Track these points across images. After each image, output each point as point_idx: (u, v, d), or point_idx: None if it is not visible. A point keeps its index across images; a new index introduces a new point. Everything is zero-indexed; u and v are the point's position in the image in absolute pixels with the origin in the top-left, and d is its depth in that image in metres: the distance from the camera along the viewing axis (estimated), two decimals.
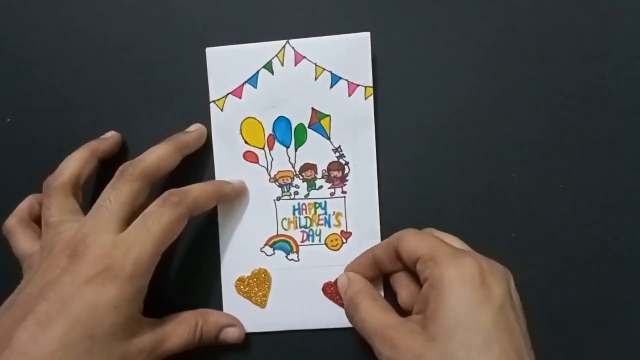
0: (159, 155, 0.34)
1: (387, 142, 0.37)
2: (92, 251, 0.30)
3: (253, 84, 0.37)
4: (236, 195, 0.37)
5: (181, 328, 0.34)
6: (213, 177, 0.38)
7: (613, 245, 0.37)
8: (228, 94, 0.37)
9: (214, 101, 0.37)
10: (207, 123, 0.38)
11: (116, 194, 0.32)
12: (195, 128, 0.37)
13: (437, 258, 0.29)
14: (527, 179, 0.38)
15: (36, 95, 0.39)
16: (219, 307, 0.38)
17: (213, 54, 0.37)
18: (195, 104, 0.38)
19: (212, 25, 0.38)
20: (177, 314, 0.35)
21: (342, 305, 0.36)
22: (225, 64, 0.37)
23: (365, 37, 0.36)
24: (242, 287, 0.38)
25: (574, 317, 0.37)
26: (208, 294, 0.38)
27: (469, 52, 0.38)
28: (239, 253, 0.38)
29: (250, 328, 0.38)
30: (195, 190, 0.34)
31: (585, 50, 0.38)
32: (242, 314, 0.37)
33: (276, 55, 0.37)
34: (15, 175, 0.39)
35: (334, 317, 0.37)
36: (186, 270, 0.39)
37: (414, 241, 0.31)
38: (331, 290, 0.37)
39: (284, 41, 0.37)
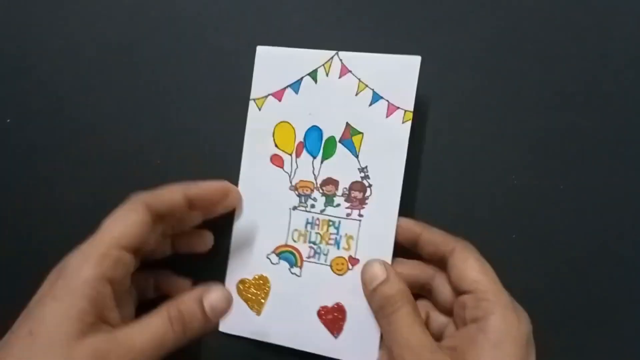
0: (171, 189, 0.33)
1: None
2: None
3: (295, 89, 0.37)
4: (219, 197, 0.35)
5: (150, 320, 0.29)
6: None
7: (613, 246, 0.37)
8: (269, 94, 0.37)
9: (254, 99, 0.37)
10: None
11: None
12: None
13: (495, 306, 0.29)
14: (527, 180, 0.37)
15: (36, 95, 0.39)
16: None
17: (263, 53, 0.37)
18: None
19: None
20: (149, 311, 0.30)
21: (334, 331, 0.34)
22: (273, 64, 0.37)
23: (415, 60, 0.34)
24: (242, 289, 0.37)
25: (574, 317, 0.37)
26: None
27: (469, 52, 0.37)
28: (247, 255, 0.37)
29: (245, 333, 0.36)
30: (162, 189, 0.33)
31: (585, 50, 0.37)
32: (239, 317, 0.37)
33: (323, 65, 0.36)
34: (15, 175, 0.38)
35: (323, 344, 0.35)
36: (193, 266, 0.38)
37: (474, 270, 0.31)
38: (325, 317, 0.35)
39: (333, 52, 0.36)
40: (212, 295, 0.31)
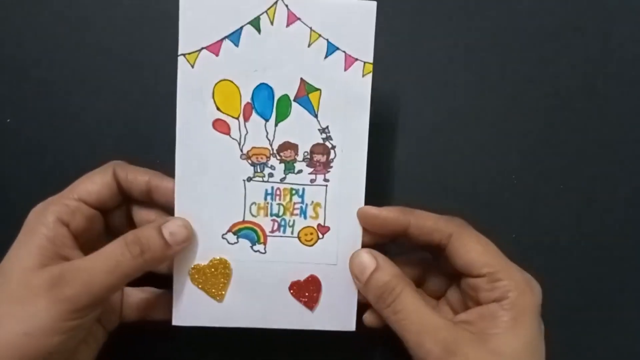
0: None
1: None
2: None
3: (234, 41, 0.31)
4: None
5: (105, 250, 0.29)
6: (173, 146, 0.32)
7: (613, 245, 0.37)
8: (202, 48, 0.31)
9: (183, 54, 0.31)
10: (173, 80, 0.32)
11: None
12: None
13: (510, 284, 0.29)
14: (527, 180, 0.38)
15: (36, 95, 0.38)
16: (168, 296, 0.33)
17: None
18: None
19: None
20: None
21: (310, 305, 0.32)
22: (203, 12, 0.31)
23: (371, 6, 0.31)
24: (197, 276, 0.32)
25: (574, 317, 0.37)
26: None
27: (469, 52, 0.37)
28: (197, 238, 0.32)
29: (204, 322, 0.33)
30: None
31: (585, 50, 0.38)
32: (195, 306, 0.32)
33: (266, 12, 0.31)
34: (15, 175, 0.38)
35: (298, 318, 0.33)
36: None
37: (479, 253, 0.30)
38: (299, 294, 0.33)
39: None
40: (171, 222, 0.31)
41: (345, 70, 0.32)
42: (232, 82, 0.32)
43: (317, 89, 0.32)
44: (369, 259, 0.31)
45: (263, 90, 0.32)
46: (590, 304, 0.38)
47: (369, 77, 0.32)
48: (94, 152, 0.38)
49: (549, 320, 0.36)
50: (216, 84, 0.31)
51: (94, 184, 0.32)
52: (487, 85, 0.38)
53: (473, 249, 0.30)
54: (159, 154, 0.37)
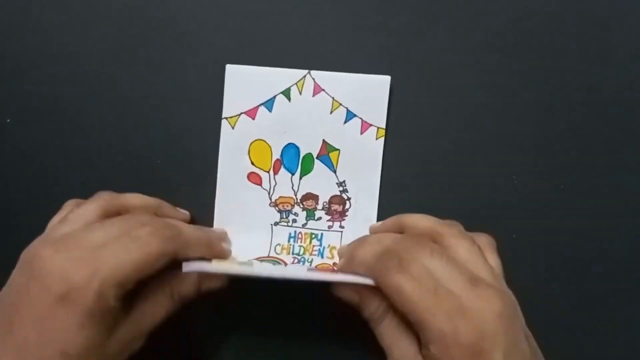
0: (199, 238, 0.33)
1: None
2: (58, 267, 0.28)
3: (268, 107, 0.37)
4: (220, 256, 0.35)
5: (157, 302, 0.31)
6: (214, 195, 0.38)
7: (613, 246, 0.37)
8: (242, 113, 0.37)
9: (226, 118, 0.37)
10: (216, 139, 0.38)
11: (145, 241, 0.30)
12: (227, 247, 0.35)
13: (430, 331, 0.27)
14: (527, 180, 0.37)
15: (36, 95, 0.38)
16: None
17: (233, 71, 0.37)
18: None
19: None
20: (149, 285, 0.31)
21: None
22: (244, 83, 0.37)
23: (385, 80, 0.37)
24: None
25: (574, 317, 0.37)
26: None
27: (469, 52, 0.38)
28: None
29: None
30: (190, 232, 0.32)
31: (585, 50, 0.38)
32: None
33: (295, 84, 0.37)
34: (15, 175, 0.38)
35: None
36: None
37: (400, 303, 0.28)
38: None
39: (305, 71, 0.37)
40: (211, 281, 0.33)
41: (361, 134, 0.37)
42: (265, 141, 0.37)
43: (336, 149, 0.37)
44: (352, 295, 0.32)
45: (291, 149, 0.38)
46: (590, 304, 0.37)
47: (382, 140, 0.37)
48: (94, 152, 0.38)
49: (549, 320, 0.37)
50: (252, 143, 0.37)
51: (154, 262, 0.30)
52: (487, 85, 0.38)
53: (393, 299, 0.28)
54: (159, 154, 0.38)
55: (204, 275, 0.33)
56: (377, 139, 0.37)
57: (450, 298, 0.27)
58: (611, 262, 0.38)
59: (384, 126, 0.37)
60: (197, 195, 0.38)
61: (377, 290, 0.30)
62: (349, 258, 0.32)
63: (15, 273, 0.30)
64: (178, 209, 0.37)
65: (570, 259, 0.37)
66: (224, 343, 0.38)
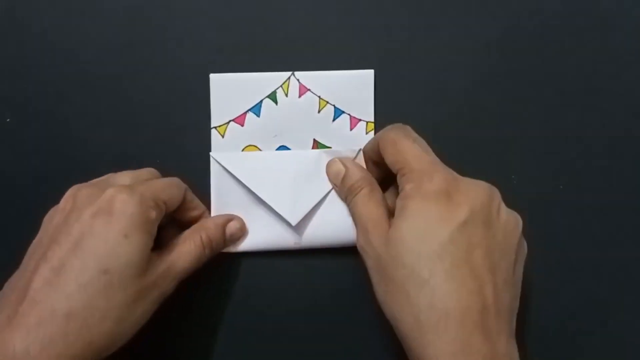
0: (169, 182, 0.34)
1: None
2: (91, 191, 0.30)
3: (256, 112, 0.37)
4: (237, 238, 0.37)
5: (187, 246, 0.33)
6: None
7: (613, 246, 0.38)
8: (230, 120, 0.37)
9: (215, 127, 0.37)
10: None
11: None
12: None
13: (411, 173, 0.31)
14: (527, 180, 0.38)
15: (36, 95, 0.38)
16: None
17: (217, 80, 0.37)
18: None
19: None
20: (179, 236, 0.34)
21: None
22: (229, 91, 0.37)
23: (369, 74, 0.37)
24: None
25: (574, 317, 0.37)
26: None
27: (469, 51, 0.38)
28: None
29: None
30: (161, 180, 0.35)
31: (585, 50, 0.38)
32: None
33: (281, 86, 0.37)
34: (15, 175, 0.38)
35: None
36: None
37: (393, 154, 0.32)
38: None
39: (289, 73, 0.37)
40: (232, 224, 0.36)
41: (351, 129, 0.38)
42: (256, 146, 0.37)
43: (328, 147, 0.38)
44: (338, 167, 0.36)
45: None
46: (590, 304, 0.37)
47: (372, 133, 0.37)
48: (94, 152, 0.38)
49: (548, 320, 0.37)
50: (243, 149, 0.37)
51: (176, 197, 0.34)
52: (486, 85, 0.38)
53: (390, 152, 0.32)
54: (159, 154, 0.38)
55: (225, 222, 0.36)
56: (367, 132, 0.38)
57: (436, 163, 0.31)
58: (611, 262, 0.38)
59: (372, 120, 0.37)
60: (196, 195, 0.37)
61: (360, 167, 0.35)
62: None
63: (45, 222, 0.31)
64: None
65: (570, 259, 0.38)
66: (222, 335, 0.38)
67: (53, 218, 0.31)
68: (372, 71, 0.37)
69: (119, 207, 0.29)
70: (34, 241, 0.31)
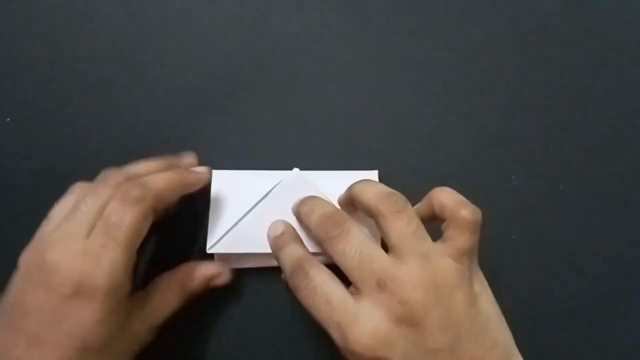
0: (169, 182, 0.31)
1: None
2: (62, 262, 0.28)
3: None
4: (202, 184, 0.34)
5: (168, 297, 0.32)
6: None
7: (613, 246, 0.37)
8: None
9: (211, 247, 0.35)
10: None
11: (120, 214, 0.29)
12: (202, 170, 0.35)
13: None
14: (527, 180, 0.37)
15: (36, 95, 0.39)
16: None
17: (219, 176, 0.36)
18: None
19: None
20: (159, 281, 0.33)
21: None
22: (231, 187, 0.36)
23: (373, 174, 0.37)
24: None
25: (574, 317, 0.36)
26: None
27: (469, 51, 0.38)
28: None
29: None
30: (158, 181, 0.31)
31: (586, 50, 0.39)
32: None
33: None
34: (15, 175, 0.38)
35: None
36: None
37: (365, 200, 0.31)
38: None
39: (292, 171, 0.36)
40: (218, 281, 0.35)
41: None
42: None
43: None
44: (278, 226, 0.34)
45: None
46: (590, 304, 0.37)
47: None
48: (94, 152, 0.38)
49: (549, 320, 0.35)
50: None
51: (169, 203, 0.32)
52: (486, 85, 0.38)
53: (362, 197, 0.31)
54: (159, 154, 0.37)
55: (211, 277, 0.34)
56: None
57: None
58: (611, 262, 0.37)
59: None
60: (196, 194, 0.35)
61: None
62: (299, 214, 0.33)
63: (17, 279, 0.29)
64: (182, 155, 0.36)
65: (570, 259, 0.37)
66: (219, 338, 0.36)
67: (22, 278, 0.29)
68: (376, 171, 0.37)
69: (89, 286, 0.27)
70: (12, 292, 0.29)
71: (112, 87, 0.39)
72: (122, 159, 0.36)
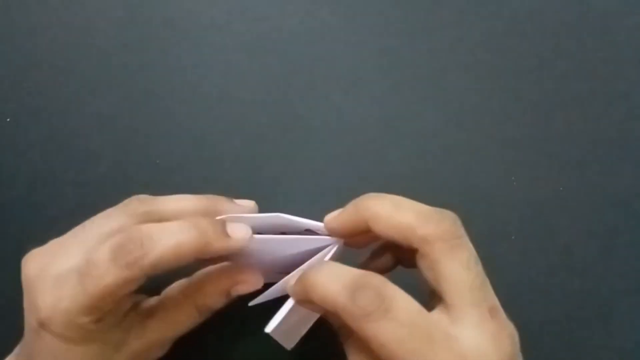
0: (180, 244, 0.24)
1: None
2: (39, 289, 0.26)
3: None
4: (231, 252, 0.26)
5: (178, 317, 0.28)
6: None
7: (613, 246, 0.37)
8: None
9: None
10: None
11: (103, 269, 0.24)
12: (240, 233, 0.26)
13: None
14: (527, 180, 0.37)
15: (36, 95, 0.39)
16: None
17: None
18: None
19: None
20: (169, 298, 0.29)
21: None
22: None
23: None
24: None
25: (574, 317, 0.36)
26: None
27: (469, 52, 0.39)
28: None
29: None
30: (167, 241, 0.24)
31: (586, 51, 0.39)
32: None
33: None
34: (14, 175, 0.38)
35: None
36: None
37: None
38: None
39: (274, 214, 0.34)
40: (240, 288, 0.29)
41: None
42: None
43: None
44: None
45: None
46: (590, 304, 0.37)
47: None
48: (94, 152, 0.38)
49: (549, 320, 0.36)
50: None
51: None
52: (486, 85, 0.39)
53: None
54: (159, 154, 0.38)
55: (230, 286, 0.29)
56: None
57: (450, 344, 0.21)
58: (611, 262, 0.37)
59: None
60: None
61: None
62: (304, 285, 0.24)
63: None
64: (237, 201, 0.30)
65: (570, 259, 0.37)
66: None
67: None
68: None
69: (49, 324, 0.25)
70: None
71: (113, 87, 0.39)
72: (122, 159, 0.37)
